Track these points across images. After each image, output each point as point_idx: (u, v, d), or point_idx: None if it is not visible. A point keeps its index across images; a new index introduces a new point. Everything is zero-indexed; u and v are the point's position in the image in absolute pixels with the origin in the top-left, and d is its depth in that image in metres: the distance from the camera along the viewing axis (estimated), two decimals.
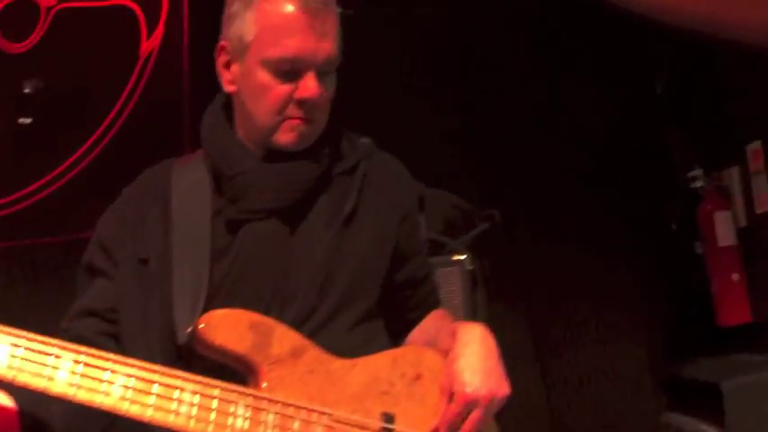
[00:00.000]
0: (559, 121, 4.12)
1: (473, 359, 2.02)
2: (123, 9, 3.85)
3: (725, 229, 3.86)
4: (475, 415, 1.98)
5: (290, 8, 2.06)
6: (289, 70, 2.07)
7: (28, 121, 3.78)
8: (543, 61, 4.16)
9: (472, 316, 2.73)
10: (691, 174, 4.04)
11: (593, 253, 3.99)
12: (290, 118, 2.09)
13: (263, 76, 2.08)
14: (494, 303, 3.20)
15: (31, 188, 3.72)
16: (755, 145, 3.71)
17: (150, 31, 3.85)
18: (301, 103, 2.07)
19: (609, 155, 4.13)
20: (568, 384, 3.94)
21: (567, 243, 4.00)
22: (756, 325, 3.75)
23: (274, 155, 2.12)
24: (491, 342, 2.07)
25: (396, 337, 2.28)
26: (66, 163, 3.75)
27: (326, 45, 2.06)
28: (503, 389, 2.01)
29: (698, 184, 4.01)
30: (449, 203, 2.99)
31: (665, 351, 4.02)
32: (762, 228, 3.75)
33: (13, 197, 3.71)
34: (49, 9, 3.81)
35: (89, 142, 3.77)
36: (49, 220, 3.71)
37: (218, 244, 2.07)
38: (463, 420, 1.98)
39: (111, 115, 3.80)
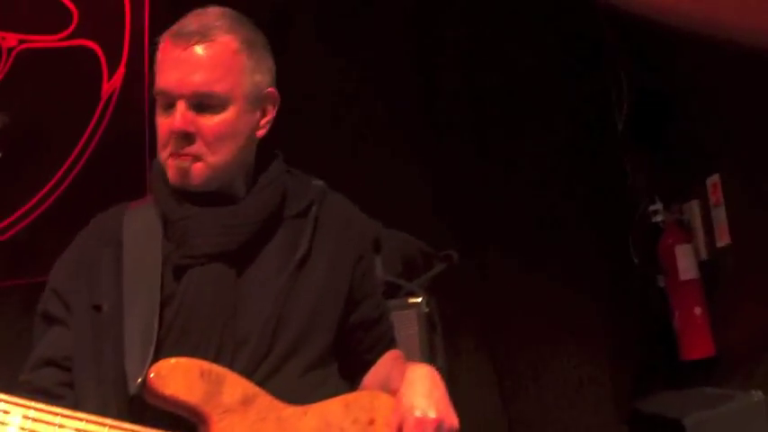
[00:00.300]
0: (521, 156, 4.15)
1: (420, 391, 2.04)
2: (85, 50, 3.86)
3: (686, 263, 3.88)
4: None
5: (166, 41, 2.09)
6: (166, 103, 2.08)
7: None
8: (504, 98, 4.19)
9: (430, 358, 2.73)
10: (651, 207, 4.06)
11: (555, 287, 4.00)
12: (173, 154, 2.08)
13: (157, 112, 2.11)
14: (457, 339, 3.21)
15: None
16: (714, 178, 3.73)
17: (112, 71, 3.86)
18: (176, 137, 2.06)
19: (570, 190, 4.15)
20: (531, 418, 3.94)
21: (530, 278, 4.01)
22: (719, 359, 3.76)
23: (215, 199, 2.12)
24: (437, 378, 2.09)
25: (351, 378, 2.28)
26: (28, 205, 3.74)
27: (196, 77, 2.04)
28: (450, 418, 2.02)
29: (659, 217, 4.04)
30: (407, 244, 3.00)
31: (629, 386, 4.03)
32: (723, 261, 3.77)
33: None
34: (10, 50, 3.81)
35: (50, 184, 3.76)
36: (10, 262, 3.69)
37: (166, 290, 2.06)
38: None
39: (73, 156, 3.80)
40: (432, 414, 1.99)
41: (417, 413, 1.99)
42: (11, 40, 3.80)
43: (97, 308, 2.10)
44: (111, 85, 3.85)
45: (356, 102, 4.06)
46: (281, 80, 2.26)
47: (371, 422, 2.08)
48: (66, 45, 3.85)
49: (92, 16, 3.87)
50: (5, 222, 3.73)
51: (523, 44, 4.17)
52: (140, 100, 3.84)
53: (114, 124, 3.83)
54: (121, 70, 3.83)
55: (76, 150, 3.81)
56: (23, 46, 3.81)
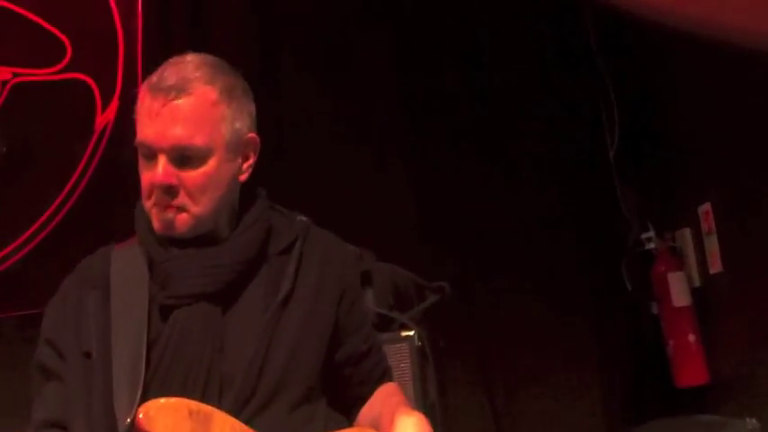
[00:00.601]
0: (513, 185, 4.16)
1: None
2: (78, 82, 3.88)
3: (679, 290, 3.88)
4: None
5: (145, 93, 2.11)
6: (147, 154, 2.10)
7: None
8: (495, 128, 4.21)
9: (422, 392, 2.73)
10: (644, 235, 4.07)
11: (549, 314, 4.01)
12: (157, 205, 2.10)
13: (139, 162, 2.14)
14: (448, 366, 3.21)
15: None
16: (706, 206, 3.75)
17: (105, 104, 3.88)
18: (159, 190, 2.09)
19: (562, 218, 4.17)
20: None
21: (522, 305, 4.02)
22: (713, 386, 3.77)
23: (200, 241, 2.14)
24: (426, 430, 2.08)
25: (347, 412, 2.29)
26: (23, 237, 3.75)
27: (175, 131, 2.06)
28: None
29: (651, 245, 4.05)
30: (398, 276, 3.00)
31: (623, 413, 4.03)
32: (716, 288, 3.78)
33: None
34: (4, 83, 3.83)
35: (45, 215, 3.78)
36: (3, 294, 3.70)
37: (153, 331, 2.08)
38: None
39: (68, 188, 3.81)
40: None
41: None
42: (5, 73, 3.82)
43: (87, 354, 2.11)
44: (105, 117, 3.86)
45: (345, 132, 4.08)
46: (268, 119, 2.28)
47: None
48: (60, 78, 3.87)
49: (85, 49, 3.89)
50: (1, 254, 3.75)
51: (509, 72, 4.19)
52: (133, 133, 3.84)
53: (108, 156, 3.84)
54: (115, 103, 3.85)
55: (71, 182, 3.82)
56: (17, 79, 3.83)
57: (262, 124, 2.28)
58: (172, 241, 2.14)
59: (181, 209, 2.10)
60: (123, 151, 3.34)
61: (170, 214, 2.10)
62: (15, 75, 3.84)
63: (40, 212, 3.78)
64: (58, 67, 3.87)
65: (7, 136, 3.87)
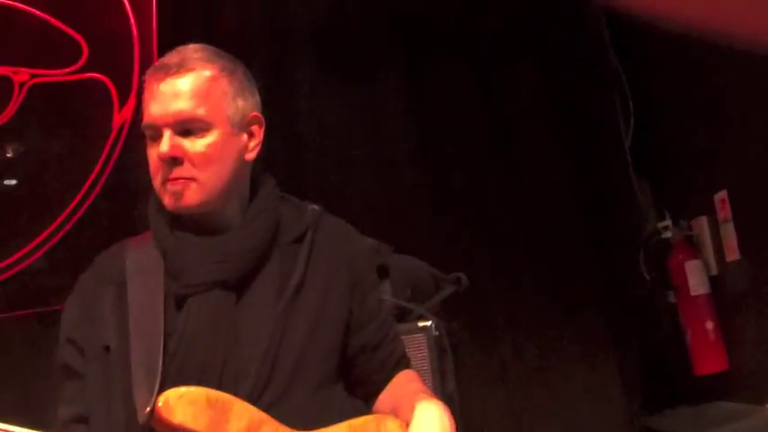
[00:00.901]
0: (527, 175, 4.16)
1: None
2: (95, 82, 3.92)
3: (697, 279, 3.88)
4: None
5: (149, 79, 2.15)
6: (153, 135, 2.13)
7: (13, 182, 3.84)
8: (507, 114, 4.21)
9: (440, 382, 2.74)
10: (660, 224, 4.07)
11: (565, 305, 4.02)
12: (166, 181, 2.13)
13: (147, 147, 2.17)
14: (466, 359, 3.22)
15: (6, 261, 3.76)
16: (722, 194, 3.74)
17: (122, 102, 3.91)
18: (165, 163, 2.11)
19: (579, 209, 4.17)
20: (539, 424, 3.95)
21: (539, 298, 4.02)
22: (732, 373, 3.76)
23: (211, 228, 2.16)
24: (446, 419, 2.10)
25: (365, 399, 2.31)
26: (40, 238, 3.79)
27: (177, 104, 2.10)
28: None
29: (668, 234, 4.04)
30: (415, 268, 3.01)
31: (642, 402, 4.03)
32: (733, 276, 3.77)
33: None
34: (22, 84, 3.87)
35: (62, 216, 3.81)
36: (24, 292, 3.74)
37: (169, 321, 2.11)
38: None
39: (85, 188, 3.84)
40: None
41: None
42: (23, 74, 3.86)
43: (106, 348, 2.15)
44: (122, 115, 3.90)
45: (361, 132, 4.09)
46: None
47: None
48: (77, 78, 3.91)
49: (101, 49, 3.92)
50: (19, 254, 3.78)
51: (521, 61, 4.19)
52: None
53: (126, 154, 3.87)
54: (132, 101, 3.88)
55: (89, 181, 3.85)
56: (35, 80, 3.87)
57: (273, 123, 2.32)
58: (184, 229, 2.17)
59: (189, 180, 2.12)
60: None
61: (179, 186, 2.12)
62: (33, 76, 3.87)
63: (59, 212, 3.81)
64: (75, 67, 3.91)
65: (25, 136, 3.91)
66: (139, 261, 2.22)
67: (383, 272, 2.77)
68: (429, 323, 2.77)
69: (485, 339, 3.95)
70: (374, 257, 2.59)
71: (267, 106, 2.33)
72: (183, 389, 1.97)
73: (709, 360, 3.81)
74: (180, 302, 2.13)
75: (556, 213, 4.13)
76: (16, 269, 3.77)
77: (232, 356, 2.09)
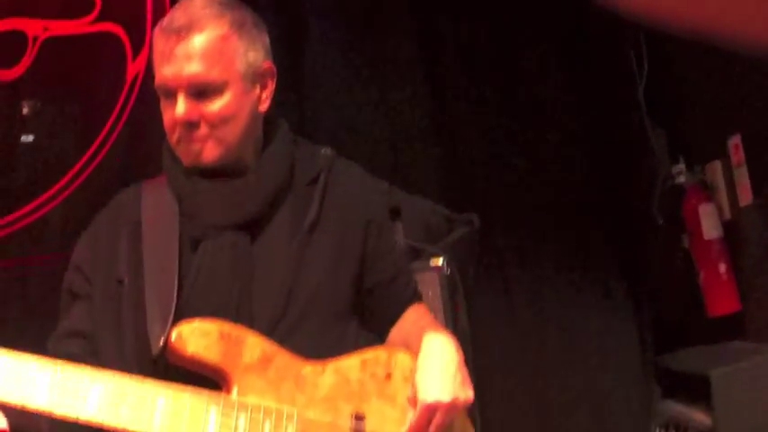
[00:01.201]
0: (540, 121, 4.16)
1: (434, 369, 2.11)
2: (108, 35, 3.92)
3: (710, 223, 3.88)
4: (437, 421, 2.06)
5: (158, 37, 2.15)
6: (167, 94, 2.15)
7: (30, 138, 3.87)
8: (522, 64, 4.21)
9: (452, 320, 2.77)
10: (674, 169, 4.07)
11: (580, 251, 4.04)
12: (182, 140, 2.15)
13: (161, 102, 2.19)
14: (478, 306, 3.24)
15: (24, 210, 3.80)
16: (735, 139, 3.74)
17: (135, 53, 3.92)
18: (181, 126, 2.13)
19: (592, 155, 4.17)
20: (558, 378, 3.97)
21: (552, 243, 4.04)
22: (745, 314, 3.78)
23: (226, 172, 2.18)
24: (453, 350, 2.15)
25: (380, 334, 2.33)
26: (59, 184, 3.82)
27: (190, 67, 2.10)
28: (464, 393, 2.09)
29: (681, 179, 4.04)
30: (427, 210, 3.03)
31: (657, 343, 4.05)
32: (746, 220, 3.78)
33: (8, 219, 3.79)
34: (35, 38, 3.88)
35: (80, 163, 3.84)
36: (43, 239, 3.78)
37: (184, 262, 2.13)
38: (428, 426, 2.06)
39: (101, 137, 3.87)
40: (445, 398, 2.06)
41: (429, 399, 2.05)
42: (36, 26, 3.87)
43: (119, 282, 2.18)
44: (136, 66, 3.91)
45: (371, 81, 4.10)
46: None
47: (388, 377, 2.15)
48: (90, 30, 3.91)
49: (114, 0, 3.93)
50: (34, 203, 3.82)
51: (534, 15, 4.18)
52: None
53: (140, 105, 3.89)
54: (145, 52, 3.89)
55: (104, 132, 3.88)
56: (48, 33, 3.88)
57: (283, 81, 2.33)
58: (199, 174, 2.19)
59: (206, 140, 2.14)
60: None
61: (196, 146, 2.15)
62: (46, 29, 3.88)
63: (75, 161, 3.84)
64: (88, 18, 3.91)
65: (40, 91, 3.93)
66: (155, 202, 2.25)
67: (395, 213, 2.80)
68: (441, 261, 2.79)
69: (497, 283, 3.97)
70: (387, 198, 2.60)
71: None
72: (196, 321, 2.01)
73: (721, 301, 3.83)
74: (195, 244, 2.16)
75: (570, 159, 4.14)
76: (35, 216, 3.81)
77: (247, 295, 2.12)
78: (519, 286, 4.02)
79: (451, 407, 2.06)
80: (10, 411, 1.93)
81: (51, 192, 3.81)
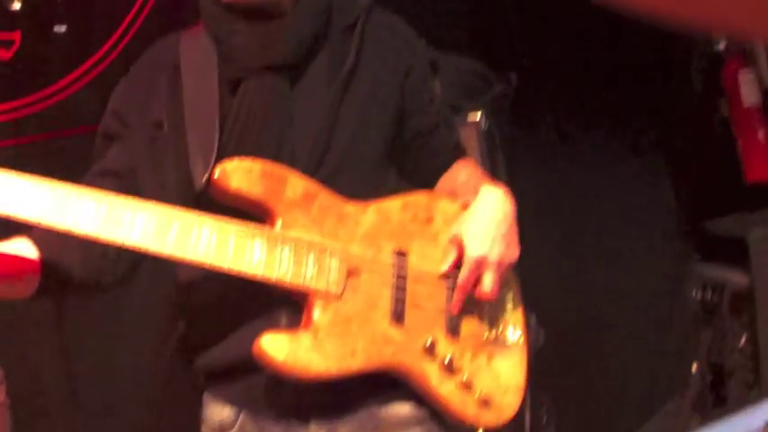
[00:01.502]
0: None
1: (486, 224, 2.10)
2: None
3: (749, 89, 3.85)
4: (486, 278, 2.07)
5: None
6: None
7: (63, 28, 3.86)
8: None
9: (491, 175, 2.76)
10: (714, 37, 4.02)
11: (619, 118, 4.01)
12: None
13: None
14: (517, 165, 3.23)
15: (63, 82, 3.80)
16: None
17: None
18: None
19: (632, 20, 4.11)
20: (594, 240, 3.98)
21: (589, 110, 4.02)
22: None
23: (263, 15, 2.16)
24: (507, 206, 2.15)
25: (423, 186, 2.33)
26: (92, 59, 3.81)
27: None
28: (511, 253, 2.10)
29: (721, 46, 4.00)
30: (464, 67, 3.01)
31: (694, 209, 4.05)
32: None
33: (47, 91, 3.80)
34: None
35: (112, 40, 3.82)
36: (82, 111, 3.80)
37: (224, 104, 2.13)
38: (476, 283, 2.08)
39: (134, 11, 3.85)
40: (493, 256, 2.06)
41: (478, 255, 2.06)
42: None
43: (157, 125, 2.17)
44: None
45: None
46: None
47: (429, 220, 2.15)
48: None
49: None
50: (68, 78, 3.82)
51: None
52: None
53: None
54: None
55: (136, 6, 3.86)
56: None
57: None
58: (236, 16, 2.18)
59: None
60: None
61: None
62: None
63: (107, 37, 3.83)
64: None
65: None
66: (194, 47, 2.23)
67: (433, 68, 2.78)
68: (479, 117, 2.78)
69: (534, 141, 3.94)
70: (425, 46, 2.58)
71: None
72: (239, 159, 2.01)
73: (759, 167, 3.82)
74: (234, 87, 2.15)
75: (607, 23, 4.08)
76: (68, 92, 3.82)
77: (286, 137, 2.11)
78: (556, 148, 4.00)
79: (498, 265, 2.07)
80: (46, 243, 1.97)
81: (84, 67, 3.81)
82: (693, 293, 3.70)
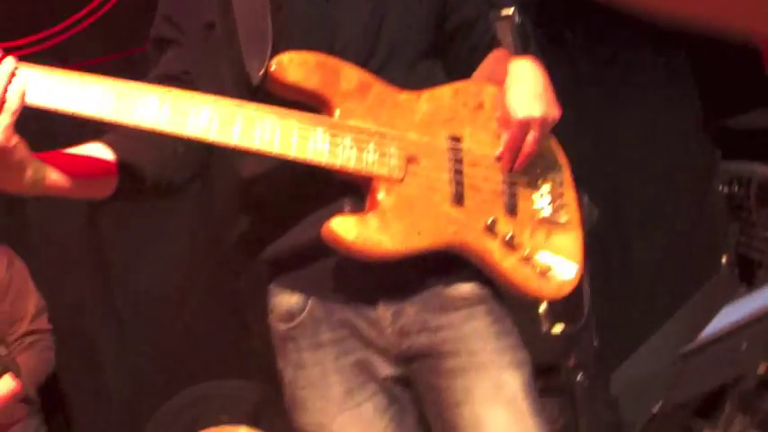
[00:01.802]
0: None
1: (523, 88, 2.15)
2: None
3: None
4: (531, 136, 2.13)
5: None
6: None
7: None
8: None
9: None
10: None
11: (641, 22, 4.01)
12: None
13: None
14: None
15: (82, 12, 3.81)
16: None
17: None
18: None
19: None
20: (624, 139, 4.01)
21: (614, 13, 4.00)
22: None
23: None
24: (539, 71, 2.19)
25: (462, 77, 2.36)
26: None
27: None
28: (553, 111, 2.16)
29: None
30: None
31: (718, 106, 4.07)
32: None
33: (65, 23, 3.81)
34: None
35: None
36: (112, 36, 3.81)
37: (274, 2, 2.13)
38: (523, 143, 2.13)
39: None
40: (536, 113, 2.12)
41: (521, 115, 2.11)
42: None
43: (209, 25, 2.19)
44: None
45: None
46: None
47: (480, 107, 2.19)
48: None
49: None
50: (92, 5, 3.83)
51: None
52: None
53: None
54: None
55: None
56: None
57: None
58: None
59: None
60: None
61: None
62: None
63: None
64: None
65: None
66: None
67: None
68: (512, 11, 2.80)
69: (560, 54, 3.95)
70: None
71: None
72: (293, 52, 2.04)
73: None
74: None
75: None
76: (91, 19, 3.83)
77: (336, 29, 2.14)
78: (581, 57, 4.01)
79: (543, 122, 2.12)
80: (119, 146, 2.01)
81: None
82: (720, 188, 3.74)
